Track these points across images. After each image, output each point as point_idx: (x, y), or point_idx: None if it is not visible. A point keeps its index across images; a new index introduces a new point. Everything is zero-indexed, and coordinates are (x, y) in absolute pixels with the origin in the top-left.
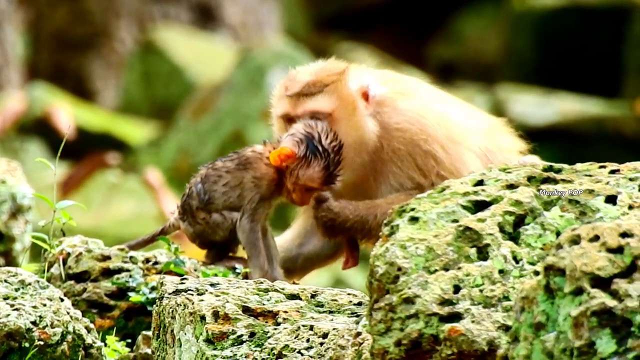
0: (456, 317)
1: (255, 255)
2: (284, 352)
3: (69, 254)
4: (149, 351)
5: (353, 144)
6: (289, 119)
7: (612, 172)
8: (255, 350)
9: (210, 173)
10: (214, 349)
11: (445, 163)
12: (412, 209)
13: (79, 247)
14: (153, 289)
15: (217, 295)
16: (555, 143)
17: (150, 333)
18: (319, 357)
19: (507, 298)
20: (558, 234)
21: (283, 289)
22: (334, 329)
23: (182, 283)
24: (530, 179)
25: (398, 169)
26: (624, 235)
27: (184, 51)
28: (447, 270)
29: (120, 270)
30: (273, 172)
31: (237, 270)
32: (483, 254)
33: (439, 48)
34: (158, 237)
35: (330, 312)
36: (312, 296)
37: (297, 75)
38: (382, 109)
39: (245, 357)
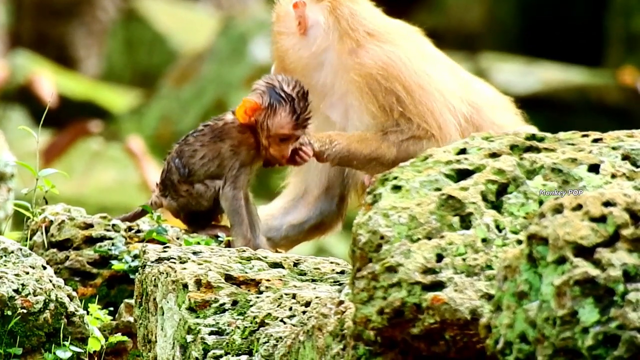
0: (439, 285)
1: (238, 223)
2: (266, 321)
3: (51, 222)
4: (131, 319)
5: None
6: None
7: (595, 140)
8: (238, 319)
9: (185, 149)
10: (197, 317)
11: (408, 104)
12: (395, 178)
13: (62, 215)
14: (135, 257)
15: (199, 264)
16: (538, 112)
17: (132, 301)
18: (301, 325)
19: (490, 267)
20: (541, 203)
21: (266, 257)
22: (316, 297)
23: (165, 251)
24: (512, 147)
25: (357, 101)
26: (607, 204)
27: (166, 19)
28: (429, 239)
29: (102, 239)
30: (248, 136)
31: (220, 239)
32: (466, 222)
33: (421, 16)
34: (141, 206)
35: (313, 280)
36: (295, 264)
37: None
38: (349, 30)
39: (228, 325)
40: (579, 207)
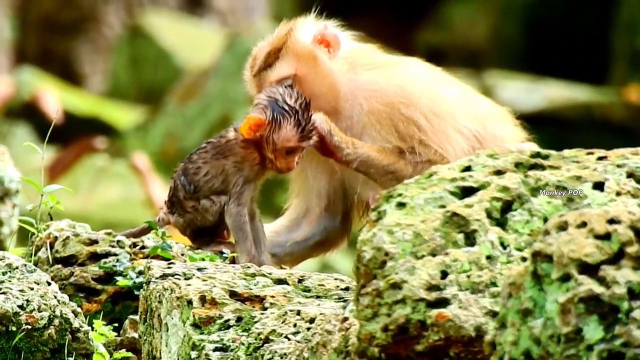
0: (443, 302)
1: (242, 240)
2: (270, 337)
3: (56, 238)
4: (135, 335)
5: (325, 93)
6: None
7: (600, 158)
8: (242, 335)
9: (189, 166)
10: (201, 334)
11: (428, 132)
12: (400, 195)
13: (66, 231)
14: (140, 273)
15: (204, 280)
16: (543, 129)
17: (137, 317)
18: (305, 342)
19: (494, 284)
20: (545, 220)
21: (270, 273)
22: (321, 314)
23: (169, 267)
24: (517, 165)
25: (377, 133)
26: (612, 221)
27: (172, 36)
28: (434, 255)
29: (107, 255)
30: (252, 152)
31: (224, 255)
32: (470, 239)
33: (427, 34)
34: (146, 222)
35: (318, 297)
36: (300, 281)
37: (257, 52)
38: (358, 62)
39: (232, 341)
40: (583, 224)
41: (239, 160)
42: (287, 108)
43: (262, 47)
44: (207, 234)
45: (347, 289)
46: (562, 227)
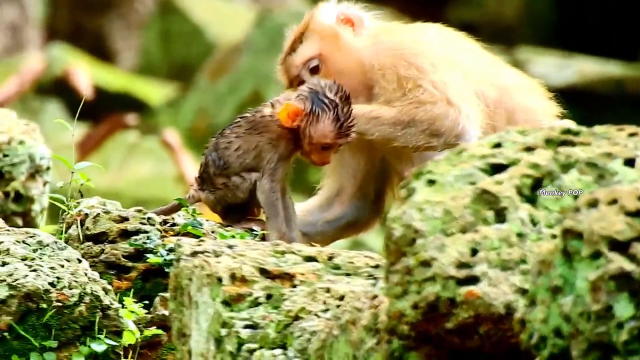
0: (473, 280)
1: (273, 217)
2: (300, 315)
3: (86, 215)
4: (166, 313)
5: (351, 71)
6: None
7: (631, 135)
8: (272, 312)
9: (220, 141)
10: (231, 311)
11: (429, 74)
12: (429, 172)
13: (97, 208)
14: (170, 250)
15: (234, 257)
16: (574, 105)
17: (167, 295)
18: (335, 319)
19: (524, 261)
20: (576, 197)
21: (300, 251)
22: (350, 291)
23: (199, 245)
24: (548, 141)
25: (380, 87)
26: None
27: (203, 11)
28: (464, 233)
29: (137, 232)
30: (287, 132)
31: (255, 232)
32: (500, 216)
33: (458, 10)
34: (177, 200)
35: (347, 274)
36: (329, 258)
37: (285, 44)
38: (380, 34)
39: (262, 319)
40: (614, 201)
41: (274, 137)
42: (327, 101)
43: (288, 38)
44: (237, 211)
45: (377, 266)
46: (593, 204)
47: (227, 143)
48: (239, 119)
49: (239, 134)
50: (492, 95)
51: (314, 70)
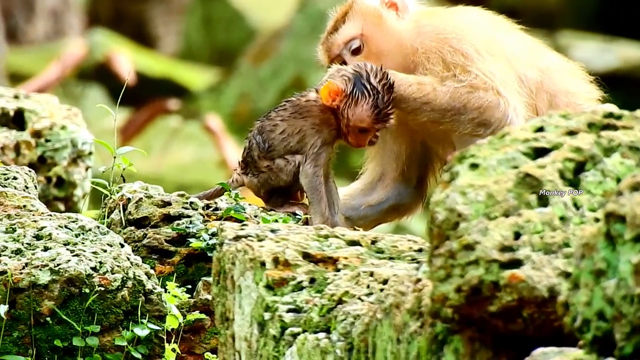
0: (516, 263)
1: (317, 201)
2: (343, 299)
3: (129, 200)
4: (209, 297)
5: (392, 52)
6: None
7: None
8: (315, 296)
9: (266, 123)
10: (274, 295)
11: (475, 60)
12: (472, 156)
13: (139, 193)
14: (213, 235)
15: (277, 242)
16: (616, 89)
17: (210, 279)
18: (379, 303)
19: (567, 245)
20: (618, 180)
21: (343, 235)
22: (394, 275)
23: (242, 229)
24: (590, 125)
25: (424, 69)
26: None
27: None
28: (507, 216)
29: (180, 216)
30: (330, 116)
31: (298, 216)
32: (543, 200)
33: None
34: (221, 184)
35: (391, 258)
36: (373, 242)
37: (327, 24)
38: (422, 18)
39: (306, 302)
40: None
41: (317, 122)
42: (368, 87)
43: (330, 20)
44: (280, 195)
45: (420, 250)
46: (636, 187)
47: (273, 126)
48: (285, 103)
49: (284, 118)
50: (534, 78)
51: (356, 52)
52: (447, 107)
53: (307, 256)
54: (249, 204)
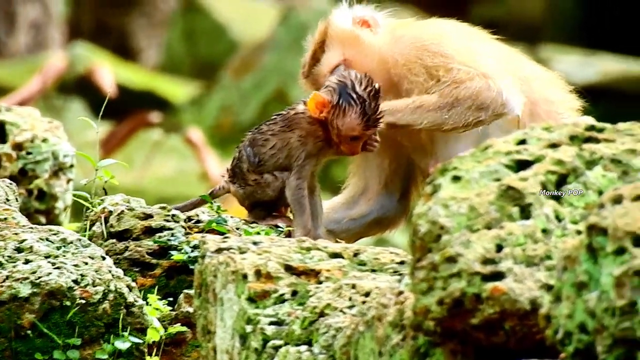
0: (498, 276)
1: (299, 213)
2: (325, 311)
3: (110, 213)
4: (190, 310)
5: (376, 70)
6: None
7: None
8: (298, 309)
9: (257, 137)
10: (256, 308)
11: (455, 57)
12: (455, 168)
13: (121, 206)
14: (195, 247)
15: (259, 254)
16: (597, 103)
17: (192, 292)
18: (361, 316)
19: (549, 257)
20: (600, 193)
21: (325, 247)
22: (376, 287)
23: (224, 241)
24: (572, 138)
25: (409, 82)
26: None
27: (226, 9)
28: (489, 229)
29: (162, 229)
30: (317, 128)
31: (280, 229)
32: (526, 213)
33: (482, 7)
34: (202, 196)
35: (373, 270)
36: (355, 255)
37: (305, 56)
38: (397, 29)
39: (288, 315)
40: (638, 197)
41: (303, 134)
42: (354, 96)
43: (307, 51)
44: (264, 208)
45: (402, 262)
46: (617, 200)
47: (264, 140)
48: (275, 116)
49: (274, 132)
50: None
51: None
52: (441, 105)
53: (289, 268)
54: (231, 216)
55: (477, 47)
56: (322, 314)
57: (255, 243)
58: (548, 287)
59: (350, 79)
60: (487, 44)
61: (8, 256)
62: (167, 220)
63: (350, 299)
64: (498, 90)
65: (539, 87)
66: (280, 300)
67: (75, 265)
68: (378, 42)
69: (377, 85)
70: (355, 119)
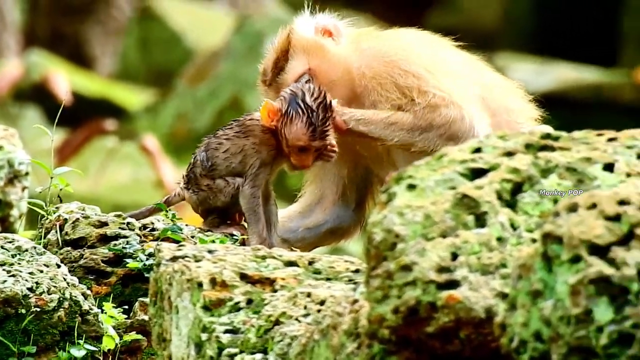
0: (454, 284)
1: (254, 222)
2: (281, 319)
3: (65, 220)
4: (145, 318)
5: (341, 79)
6: None
7: (610, 139)
8: (253, 317)
9: (212, 141)
10: (211, 316)
11: (428, 79)
12: (410, 176)
13: (76, 214)
14: (150, 255)
15: (214, 262)
16: (553, 110)
17: (147, 300)
18: (316, 324)
19: (504, 266)
20: (555, 201)
21: (281, 256)
22: (331, 296)
23: (180, 250)
24: (527, 146)
25: (379, 95)
26: (622, 203)
27: (182, 18)
28: (444, 237)
29: (117, 237)
30: (270, 137)
31: (235, 237)
32: (481, 221)
33: (437, 16)
34: (157, 204)
35: (328, 279)
36: (310, 263)
37: (264, 64)
38: (360, 39)
39: (243, 323)
40: (593, 206)
41: (257, 142)
42: (302, 106)
43: (268, 59)
44: (218, 215)
45: (357, 271)
46: (573, 208)
47: (217, 144)
48: (231, 122)
49: (229, 136)
50: (478, 94)
51: None
52: (414, 127)
53: (244, 277)
54: (186, 225)
55: (445, 62)
56: (277, 323)
57: (210, 251)
58: (503, 296)
59: (302, 89)
60: (451, 55)
61: None
62: (122, 228)
63: (305, 307)
64: (470, 122)
65: (500, 95)
66: (236, 308)
67: (31, 273)
68: (342, 53)
69: (329, 99)
70: (301, 129)
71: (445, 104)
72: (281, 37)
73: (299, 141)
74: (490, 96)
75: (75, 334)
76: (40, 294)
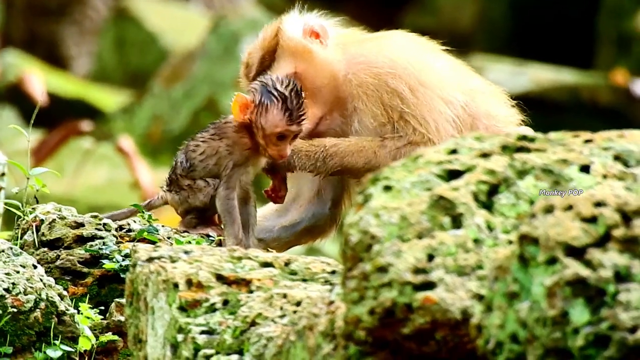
0: (430, 285)
1: (229, 223)
2: (257, 320)
3: (42, 221)
4: (122, 318)
5: (327, 84)
6: None
7: (586, 141)
8: (229, 318)
9: (191, 143)
10: (187, 317)
11: (411, 105)
12: (386, 178)
13: (52, 214)
14: (126, 256)
15: (190, 263)
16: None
17: (123, 300)
18: (292, 325)
19: (480, 267)
20: (532, 203)
21: (257, 256)
22: (307, 297)
23: (156, 250)
24: (504, 148)
25: (364, 105)
26: (598, 204)
27: (157, 18)
28: (420, 238)
29: (93, 238)
30: (243, 136)
31: (211, 238)
32: (457, 222)
33: (413, 17)
34: (134, 205)
35: (304, 280)
36: (286, 264)
37: (248, 58)
38: (347, 43)
39: (219, 324)
40: (569, 207)
41: (230, 143)
42: (275, 93)
43: (253, 52)
44: (196, 216)
45: (333, 272)
46: (549, 210)
47: (195, 146)
48: (210, 124)
49: (205, 139)
50: (462, 100)
51: None
52: (388, 152)
53: (220, 278)
54: (162, 226)
55: (431, 71)
56: (253, 324)
57: (186, 252)
58: (479, 297)
59: (271, 79)
60: (437, 61)
61: None
62: (99, 229)
63: (281, 308)
64: None
65: (482, 100)
66: (212, 309)
67: (7, 274)
68: (329, 58)
69: (298, 85)
70: (278, 115)
71: (424, 141)
72: (269, 34)
73: (277, 127)
74: (473, 101)
75: (52, 335)
76: (17, 294)
